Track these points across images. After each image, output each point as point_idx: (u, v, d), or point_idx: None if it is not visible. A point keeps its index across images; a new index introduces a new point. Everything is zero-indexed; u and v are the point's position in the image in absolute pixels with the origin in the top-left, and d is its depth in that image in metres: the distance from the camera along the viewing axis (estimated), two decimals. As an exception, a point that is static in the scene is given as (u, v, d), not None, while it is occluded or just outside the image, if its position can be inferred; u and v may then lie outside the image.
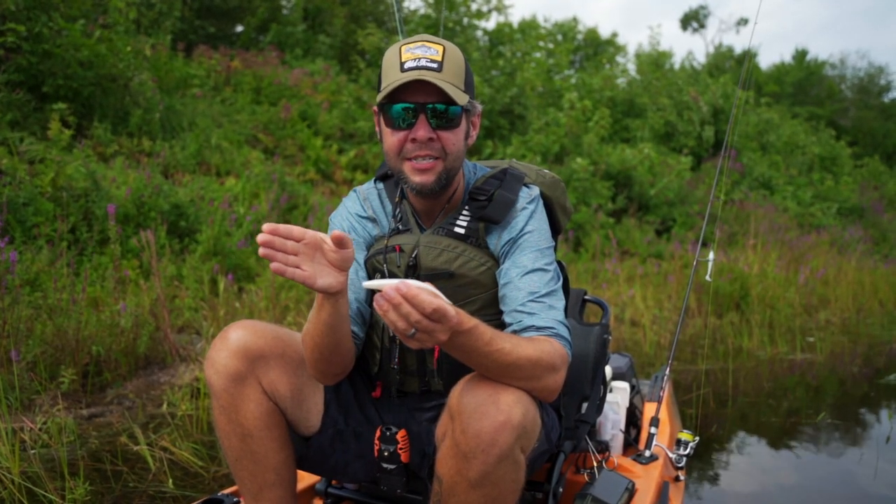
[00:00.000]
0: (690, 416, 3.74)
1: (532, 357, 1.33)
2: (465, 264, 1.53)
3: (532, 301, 1.46)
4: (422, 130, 1.44)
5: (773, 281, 6.98)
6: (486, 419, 1.27)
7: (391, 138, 1.47)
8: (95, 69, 6.06)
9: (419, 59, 1.43)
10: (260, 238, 1.18)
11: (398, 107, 1.44)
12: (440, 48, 1.45)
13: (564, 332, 1.45)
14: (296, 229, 1.21)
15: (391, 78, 1.44)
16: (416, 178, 1.46)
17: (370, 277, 1.60)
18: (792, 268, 7.73)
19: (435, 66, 1.43)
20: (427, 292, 1.12)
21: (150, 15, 8.87)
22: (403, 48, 1.46)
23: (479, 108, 1.58)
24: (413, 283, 1.11)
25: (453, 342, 1.26)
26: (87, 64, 6.00)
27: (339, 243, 1.22)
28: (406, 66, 1.43)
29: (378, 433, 1.57)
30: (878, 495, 2.83)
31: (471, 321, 1.27)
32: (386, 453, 1.55)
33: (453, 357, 1.32)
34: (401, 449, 1.54)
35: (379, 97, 1.46)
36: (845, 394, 4.52)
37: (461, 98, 1.44)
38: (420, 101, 1.43)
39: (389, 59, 1.47)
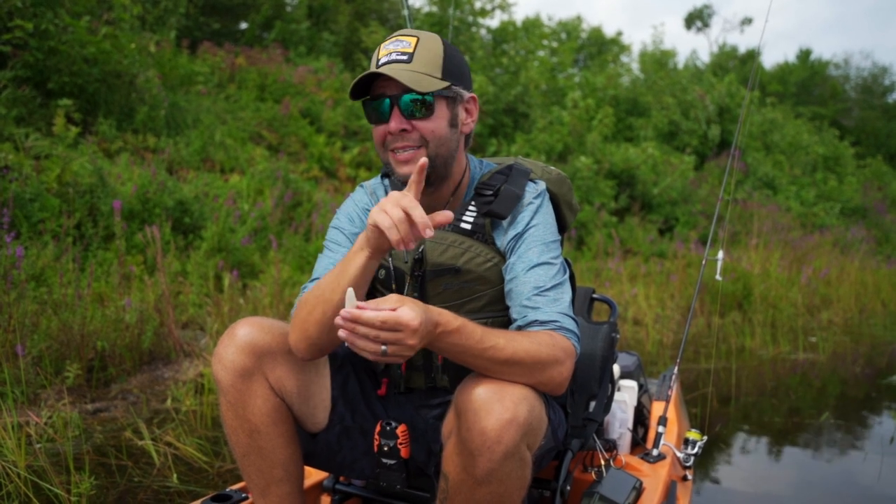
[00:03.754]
0: (695, 415, 3.74)
1: (530, 351, 1.32)
2: (471, 260, 1.52)
3: (537, 295, 1.45)
4: (394, 122, 1.45)
5: (776, 281, 6.98)
6: (492, 416, 1.26)
7: (374, 132, 1.51)
8: (100, 66, 6.07)
9: (391, 53, 1.45)
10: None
11: (369, 102, 1.48)
12: (413, 39, 1.46)
13: (569, 324, 1.43)
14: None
15: None
16: (400, 170, 1.48)
17: (375, 273, 1.60)
18: (794, 268, 7.72)
19: (405, 57, 1.44)
20: (370, 310, 1.16)
21: (154, 12, 8.88)
22: (383, 45, 1.49)
23: (467, 94, 1.54)
24: (352, 306, 1.17)
25: (444, 343, 1.26)
26: (93, 60, 6.01)
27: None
28: (380, 62, 1.46)
29: (378, 428, 1.55)
30: (881, 496, 2.82)
31: (457, 320, 1.26)
32: (386, 448, 1.53)
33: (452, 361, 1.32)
34: (401, 444, 1.52)
35: (350, 95, 1.50)
36: (848, 394, 4.52)
37: (427, 85, 1.42)
38: (386, 94, 1.45)
39: (373, 57, 1.51)
